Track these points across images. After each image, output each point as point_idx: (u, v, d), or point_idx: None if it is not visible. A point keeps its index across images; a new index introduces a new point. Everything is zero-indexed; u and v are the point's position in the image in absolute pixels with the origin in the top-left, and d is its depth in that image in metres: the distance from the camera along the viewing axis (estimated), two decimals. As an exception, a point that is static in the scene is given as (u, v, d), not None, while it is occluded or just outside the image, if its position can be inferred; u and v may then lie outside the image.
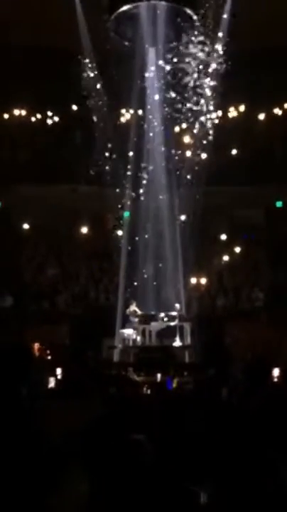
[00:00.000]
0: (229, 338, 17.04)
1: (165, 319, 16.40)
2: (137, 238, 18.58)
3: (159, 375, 13.04)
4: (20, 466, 1.92)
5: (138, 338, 16.47)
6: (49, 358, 13.25)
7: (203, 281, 19.67)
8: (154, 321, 16.49)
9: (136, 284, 18.14)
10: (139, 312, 16.78)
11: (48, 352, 13.57)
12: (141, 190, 18.98)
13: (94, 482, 2.04)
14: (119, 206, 19.03)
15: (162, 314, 16.54)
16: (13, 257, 20.34)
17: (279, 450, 2.47)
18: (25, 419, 2.20)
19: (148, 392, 9.70)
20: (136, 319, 16.65)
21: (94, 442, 2.74)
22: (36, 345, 12.81)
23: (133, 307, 16.85)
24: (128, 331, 16.59)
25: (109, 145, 19.00)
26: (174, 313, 16.55)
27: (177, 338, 16.15)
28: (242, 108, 22.30)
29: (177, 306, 17.14)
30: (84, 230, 21.50)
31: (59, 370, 9.67)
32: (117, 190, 18.72)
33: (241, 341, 16.27)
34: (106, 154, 18.86)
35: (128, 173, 18.72)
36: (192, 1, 14.80)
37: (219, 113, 20.96)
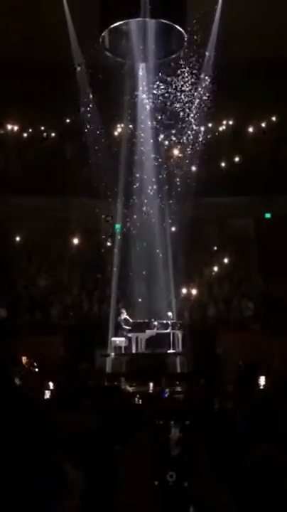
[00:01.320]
0: (220, 348, 17.14)
1: (157, 327, 16.49)
2: (129, 249, 18.69)
3: (151, 385, 13.09)
4: (12, 479, 1.94)
5: (133, 346, 16.56)
6: (37, 370, 13.29)
7: (194, 291, 19.80)
8: (146, 329, 16.56)
9: (128, 294, 18.25)
10: (130, 320, 16.87)
11: (36, 364, 13.60)
12: (133, 203, 19.12)
13: (86, 494, 2.10)
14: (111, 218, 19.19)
15: (155, 322, 16.64)
16: (6, 268, 20.37)
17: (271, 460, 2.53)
18: (16, 431, 2.24)
19: (140, 402, 9.74)
20: (128, 327, 16.74)
21: (86, 454, 2.79)
22: (24, 358, 12.83)
23: (124, 315, 16.94)
24: (120, 339, 16.67)
25: (101, 158, 19.16)
26: (166, 321, 16.67)
27: (169, 346, 16.26)
28: (232, 121, 22.54)
29: (170, 314, 17.24)
30: (77, 241, 21.58)
31: (51, 382, 9.72)
32: (109, 202, 18.86)
33: (232, 351, 16.36)
34: (98, 167, 19.01)
35: (120, 185, 18.86)
36: (182, 18, 14.96)
37: (210, 125, 21.22)
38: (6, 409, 2.26)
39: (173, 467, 3.80)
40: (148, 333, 16.44)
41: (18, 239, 21.82)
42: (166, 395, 11.21)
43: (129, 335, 16.62)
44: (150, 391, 12.74)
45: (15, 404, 2.26)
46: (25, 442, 2.03)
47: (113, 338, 16.71)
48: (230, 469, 2.71)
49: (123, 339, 16.60)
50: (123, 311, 17.06)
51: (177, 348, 16.40)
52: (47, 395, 8.63)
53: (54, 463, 1.96)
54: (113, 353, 16.53)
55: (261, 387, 8.59)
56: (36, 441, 2.07)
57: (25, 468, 1.89)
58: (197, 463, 3.35)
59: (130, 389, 13.32)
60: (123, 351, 16.56)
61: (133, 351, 16.44)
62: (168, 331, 16.39)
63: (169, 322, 16.61)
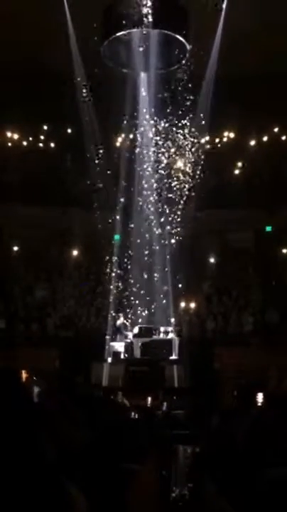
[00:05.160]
0: (218, 363, 16.98)
1: (163, 333, 16.43)
2: (128, 260, 18.59)
3: (149, 399, 12.90)
4: (11, 492, 1.83)
5: (132, 351, 16.42)
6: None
7: (193, 304, 19.66)
8: (152, 335, 16.47)
9: (126, 305, 18.14)
10: (128, 325, 16.80)
11: (35, 378, 13.37)
12: (132, 214, 19.04)
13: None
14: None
15: (162, 328, 16.51)
16: (3, 278, 20.24)
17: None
18: (14, 444, 2.12)
19: (137, 417, 9.56)
20: (128, 333, 16.63)
21: (84, 469, 2.70)
22: (23, 372, 12.61)
23: (122, 320, 16.85)
24: (118, 344, 16.51)
25: (101, 168, 19.11)
26: (169, 328, 16.59)
27: (169, 352, 16.13)
28: (233, 133, 22.54)
29: (173, 320, 17.15)
30: (75, 252, 21.49)
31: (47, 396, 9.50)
32: (108, 213, 18.77)
33: (231, 366, 16.20)
34: (98, 177, 18.98)
35: (120, 195, 18.81)
36: (184, 29, 14.96)
37: (211, 138, 21.21)
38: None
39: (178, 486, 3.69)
40: (146, 338, 16.35)
41: (15, 249, 21.71)
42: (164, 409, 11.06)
43: (128, 340, 16.47)
44: (148, 405, 12.55)
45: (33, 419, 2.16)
46: (29, 456, 1.94)
47: (111, 343, 16.55)
48: (236, 487, 2.64)
49: (121, 344, 16.46)
50: (121, 315, 16.99)
51: (175, 354, 16.26)
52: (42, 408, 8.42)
53: (57, 482, 1.88)
54: (109, 359, 16.31)
55: (260, 403, 8.43)
56: (40, 456, 1.99)
57: (26, 486, 1.81)
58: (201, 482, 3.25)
59: (126, 402, 13.12)
60: (122, 356, 16.37)
61: (132, 356, 16.31)
62: (169, 337, 16.32)
63: (170, 328, 16.54)
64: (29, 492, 1.81)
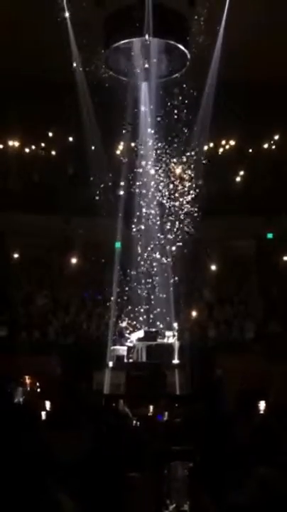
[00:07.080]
0: (220, 370, 16.95)
1: (167, 337, 16.44)
2: (129, 268, 18.59)
3: (151, 407, 12.87)
4: (10, 498, 1.84)
5: (135, 355, 16.38)
6: (39, 390, 13.07)
7: (195, 312, 19.64)
8: (158, 339, 16.47)
9: (128, 312, 18.12)
10: (130, 328, 16.79)
11: (38, 384, 13.38)
12: (134, 222, 19.05)
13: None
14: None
15: (167, 332, 16.53)
16: (4, 286, 20.25)
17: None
18: (15, 450, 2.13)
19: (138, 425, 9.54)
20: (130, 336, 16.63)
21: (85, 477, 2.71)
22: (27, 377, 12.62)
23: (125, 324, 16.86)
24: (121, 348, 16.48)
25: (102, 176, 19.16)
26: (171, 333, 16.57)
27: (171, 356, 16.12)
28: (233, 141, 22.57)
29: (175, 325, 17.14)
30: (76, 260, 21.49)
31: (48, 403, 9.53)
32: (110, 221, 18.78)
33: (232, 373, 16.16)
34: (100, 185, 19.01)
35: (121, 204, 18.84)
36: (185, 38, 15.01)
37: (211, 146, 21.25)
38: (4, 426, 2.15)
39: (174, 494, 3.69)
40: (148, 342, 16.34)
41: (17, 256, 21.72)
42: (164, 418, 11.02)
43: (130, 344, 16.46)
44: (150, 413, 12.51)
45: (14, 423, 2.16)
46: (21, 466, 1.95)
47: (113, 347, 16.53)
48: (232, 490, 2.66)
49: (124, 348, 16.44)
50: (124, 318, 17.02)
51: (177, 359, 16.26)
52: (44, 415, 8.42)
53: (43, 487, 1.89)
54: (111, 363, 16.26)
55: (262, 411, 8.43)
56: (31, 466, 2.00)
57: (12, 490, 1.81)
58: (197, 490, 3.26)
59: (128, 411, 13.07)
60: (125, 360, 16.34)
61: (135, 360, 16.27)
62: (171, 341, 16.32)
63: (171, 333, 16.56)
64: (14, 496, 1.81)
